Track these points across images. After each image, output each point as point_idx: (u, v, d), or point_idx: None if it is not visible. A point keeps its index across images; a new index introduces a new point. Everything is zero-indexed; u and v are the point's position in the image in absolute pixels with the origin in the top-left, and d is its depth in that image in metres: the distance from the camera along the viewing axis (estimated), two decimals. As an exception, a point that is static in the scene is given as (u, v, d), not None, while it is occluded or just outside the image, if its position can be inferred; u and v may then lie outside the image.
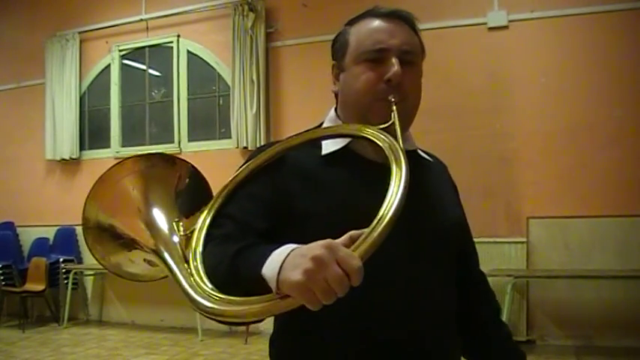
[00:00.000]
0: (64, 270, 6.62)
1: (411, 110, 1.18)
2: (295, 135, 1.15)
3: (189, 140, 6.71)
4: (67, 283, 6.55)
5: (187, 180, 1.21)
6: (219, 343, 5.69)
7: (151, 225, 1.12)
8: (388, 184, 0.91)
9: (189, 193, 1.15)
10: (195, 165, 1.27)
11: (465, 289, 1.25)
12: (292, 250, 0.82)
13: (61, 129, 7.11)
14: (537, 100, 5.33)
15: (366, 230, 0.82)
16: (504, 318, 4.59)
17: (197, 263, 0.97)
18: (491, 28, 5.51)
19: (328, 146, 1.15)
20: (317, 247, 0.77)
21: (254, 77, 6.15)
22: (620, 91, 5.11)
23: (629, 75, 5.10)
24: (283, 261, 0.81)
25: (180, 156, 1.26)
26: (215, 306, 0.84)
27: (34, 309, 7.08)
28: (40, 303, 6.93)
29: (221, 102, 6.64)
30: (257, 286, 0.83)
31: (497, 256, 5.22)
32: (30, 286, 6.56)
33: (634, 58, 5.09)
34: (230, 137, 6.34)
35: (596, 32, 5.18)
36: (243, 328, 5.83)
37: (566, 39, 5.30)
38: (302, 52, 5.91)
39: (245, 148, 6.07)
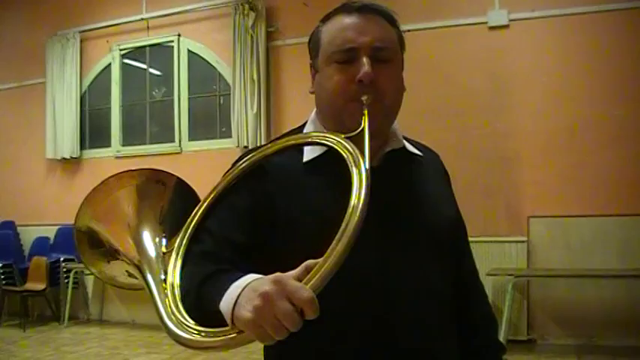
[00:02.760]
0: (64, 269, 6.62)
1: (390, 108, 1.13)
2: (270, 141, 1.13)
3: (189, 139, 6.70)
4: (67, 283, 6.56)
5: (180, 199, 1.21)
6: (219, 343, 5.69)
7: (138, 240, 1.14)
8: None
9: (181, 212, 1.14)
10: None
11: (455, 289, 1.21)
12: (248, 284, 0.81)
13: (62, 128, 7.11)
14: (538, 99, 5.33)
15: (320, 260, 0.80)
16: (504, 317, 4.61)
17: (174, 285, 0.97)
18: (491, 28, 5.50)
19: (309, 152, 1.12)
20: (266, 283, 0.77)
21: (254, 76, 6.15)
22: (621, 90, 5.11)
23: (630, 74, 5.09)
24: (238, 296, 0.81)
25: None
26: (182, 334, 0.86)
27: (35, 308, 7.08)
28: (41, 302, 6.93)
29: (221, 101, 6.64)
30: (219, 319, 0.84)
31: (498, 256, 5.22)
32: (31, 286, 6.56)
33: (635, 57, 5.08)
34: (230, 136, 6.34)
35: (597, 31, 5.18)
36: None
37: (567, 38, 5.30)
38: (303, 51, 5.82)
39: (246, 147, 6.06)
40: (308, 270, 0.79)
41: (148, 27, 6.90)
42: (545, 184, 5.26)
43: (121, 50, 7.10)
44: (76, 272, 6.64)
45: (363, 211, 0.86)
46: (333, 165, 1.04)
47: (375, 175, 1.06)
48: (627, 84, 5.10)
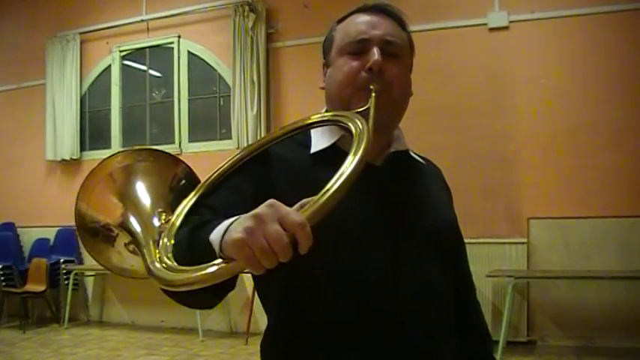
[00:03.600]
0: (64, 271, 6.62)
1: (397, 102, 1.15)
2: (280, 128, 1.16)
3: (189, 141, 6.71)
4: (67, 284, 6.55)
5: (180, 178, 1.20)
6: (219, 344, 5.69)
7: (128, 205, 1.12)
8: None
9: (181, 191, 1.14)
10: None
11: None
12: (240, 217, 0.80)
13: (62, 129, 7.11)
14: (538, 100, 5.33)
15: (316, 197, 0.79)
16: (504, 319, 4.60)
17: (166, 240, 0.95)
18: (491, 29, 5.50)
19: (316, 145, 1.14)
20: (259, 207, 0.76)
21: (254, 78, 6.15)
22: (620, 91, 5.11)
23: (629, 75, 5.10)
24: (229, 224, 0.81)
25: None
26: (166, 272, 0.84)
27: (35, 310, 7.09)
28: (41, 304, 6.93)
29: (221, 103, 6.64)
30: (210, 255, 0.82)
31: (497, 257, 5.22)
32: (30, 287, 6.55)
33: (634, 58, 5.09)
34: (230, 138, 6.35)
35: (597, 33, 5.18)
36: (243, 328, 5.84)
37: (567, 40, 5.30)
38: (302, 52, 5.90)
39: (245, 148, 6.06)
40: (302, 207, 0.78)
41: (147, 28, 6.90)
42: (545, 186, 5.26)
43: (121, 52, 7.11)
44: (75, 274, 6.65)
45: (364, 157, 0.87)
46: (340, 157, 1.04)
47: (379, 174, 1.06)
48: (626, 86, 5.10)
